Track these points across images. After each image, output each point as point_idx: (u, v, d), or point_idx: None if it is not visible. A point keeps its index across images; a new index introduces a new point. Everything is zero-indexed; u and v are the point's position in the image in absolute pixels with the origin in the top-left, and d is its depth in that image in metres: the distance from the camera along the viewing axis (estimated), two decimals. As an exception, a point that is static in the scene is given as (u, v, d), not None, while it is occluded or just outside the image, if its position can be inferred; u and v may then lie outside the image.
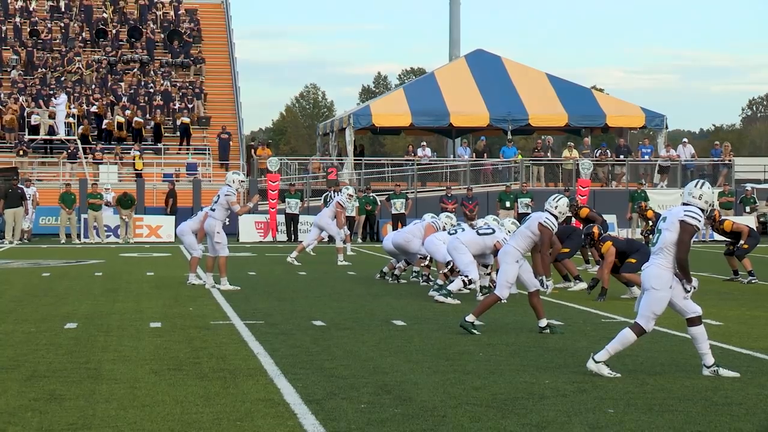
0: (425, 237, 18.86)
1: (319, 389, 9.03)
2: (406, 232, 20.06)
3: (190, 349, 11.33)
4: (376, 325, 13.48)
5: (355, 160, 44.90)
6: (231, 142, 45.46)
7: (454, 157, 48.54)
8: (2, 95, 46.94)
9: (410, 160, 44.56)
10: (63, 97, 44.72)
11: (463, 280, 16.62)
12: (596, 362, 9.75)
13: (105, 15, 52.63)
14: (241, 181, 18.79)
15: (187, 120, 46.08)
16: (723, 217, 22.12)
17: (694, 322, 9.86)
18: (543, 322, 12.85)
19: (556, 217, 12.89)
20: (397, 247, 20.12)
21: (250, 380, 9.45)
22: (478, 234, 16.79)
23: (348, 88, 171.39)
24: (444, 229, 18.56)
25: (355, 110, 48.95)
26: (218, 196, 18.51)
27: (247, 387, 9.13)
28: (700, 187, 9.91)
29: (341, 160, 45.58)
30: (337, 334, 12.58)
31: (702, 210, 9.81)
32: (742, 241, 21.13)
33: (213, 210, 18.51)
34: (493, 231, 16.78)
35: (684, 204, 9.89)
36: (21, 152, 43.36)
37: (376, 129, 48.61)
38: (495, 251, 16.48)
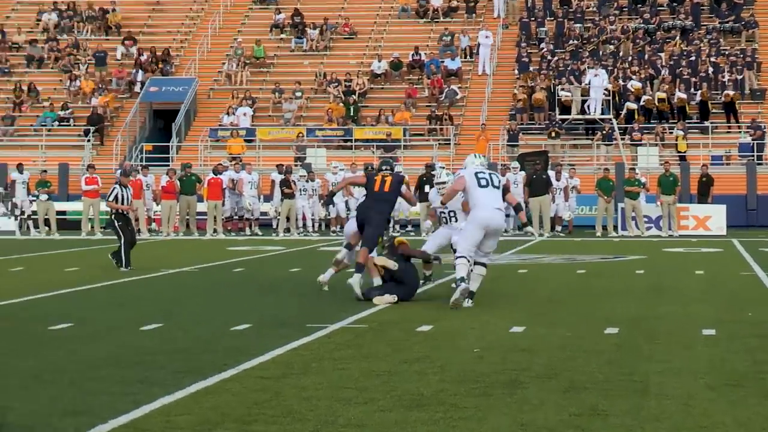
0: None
1: None
2: None
3: (752, 362, 10.95)
4: None
5: None
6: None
7: None
8: (531, 71, 48.30)
9: None
10: (601, 72, 45.28)
11: None
12: None
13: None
14: None
15: (731, 93, 45.06)
16: None
17: None
18: None
19: None
20: None
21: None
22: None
23: None
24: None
25: None
26: None
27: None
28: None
29: None
30: None
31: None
32: None
33: None
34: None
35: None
36: (552, 134, 44.40)
37: None
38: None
